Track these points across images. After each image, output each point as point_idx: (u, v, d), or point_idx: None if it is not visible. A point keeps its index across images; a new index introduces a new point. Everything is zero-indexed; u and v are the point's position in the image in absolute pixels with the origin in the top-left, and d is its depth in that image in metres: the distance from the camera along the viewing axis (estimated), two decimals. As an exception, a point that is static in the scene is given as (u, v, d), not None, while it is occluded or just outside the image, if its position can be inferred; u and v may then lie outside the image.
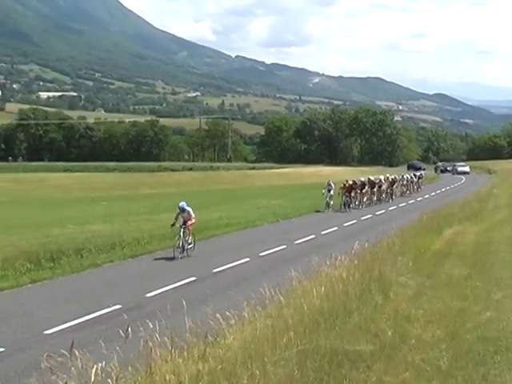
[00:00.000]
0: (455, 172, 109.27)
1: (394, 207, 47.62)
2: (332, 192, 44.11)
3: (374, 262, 15.06)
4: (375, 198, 50.40)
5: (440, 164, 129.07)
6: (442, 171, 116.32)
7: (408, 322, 11.57)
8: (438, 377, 8.99)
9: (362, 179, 49.88)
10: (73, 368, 8.09)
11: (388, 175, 55.54)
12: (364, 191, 48.29)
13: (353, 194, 46.07)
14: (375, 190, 50.47)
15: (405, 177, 60.58)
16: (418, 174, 68.48)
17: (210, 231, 29.47)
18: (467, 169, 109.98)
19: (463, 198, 49.14)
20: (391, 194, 53.94)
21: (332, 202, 44.26)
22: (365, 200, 48.40)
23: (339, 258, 15.38)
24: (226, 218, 36.96)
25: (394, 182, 55.46)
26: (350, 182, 45.95)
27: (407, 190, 60.68)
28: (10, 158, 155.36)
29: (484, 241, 23.71)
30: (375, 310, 11.77)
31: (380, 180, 52.06)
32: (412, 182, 61.91)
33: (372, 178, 51.66)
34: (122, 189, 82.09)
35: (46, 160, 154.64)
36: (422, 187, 65.57)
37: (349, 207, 45.02)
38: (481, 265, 17.97)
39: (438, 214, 33.32)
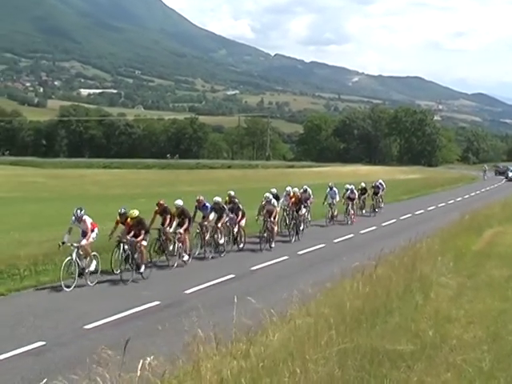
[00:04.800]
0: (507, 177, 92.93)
1: (433, 207, 47.28)
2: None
3: (415, 262, 14.98)
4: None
5: (501, 167, 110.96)
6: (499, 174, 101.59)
7: (449, 322, 11.52)
8: (479, 378, 8.93)
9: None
10: (119, 362, 8.17)
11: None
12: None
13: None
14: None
15: None
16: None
17: (247, 229, 29.56)
18: None
19: (504, 198, 48.73)
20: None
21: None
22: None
23: (379, 257, 15.30)
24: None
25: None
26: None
27: None
28: (51, 154, 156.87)
29: (525, 242, 23.48)
30: (416, 310, 11.73)
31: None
32: None
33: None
34: (160, 186, 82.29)
35: (86, 156, 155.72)
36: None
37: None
38: (522, 266, 17.80)
39: (477, 214, 33.10)
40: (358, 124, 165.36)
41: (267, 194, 27.97)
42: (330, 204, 36.02)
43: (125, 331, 13.20)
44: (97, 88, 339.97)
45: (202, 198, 25.17)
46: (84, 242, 19.56)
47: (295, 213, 30.03)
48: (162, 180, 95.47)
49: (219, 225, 24.83)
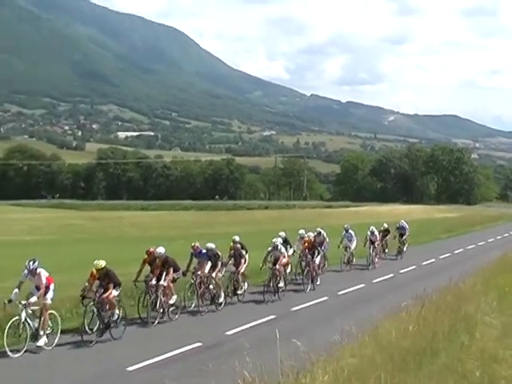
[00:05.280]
0: None
1: (473, 246, 46.88)
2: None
3: (458, 301, 14.85)
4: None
5: None
6: None
7: (496, 363, 11.33)
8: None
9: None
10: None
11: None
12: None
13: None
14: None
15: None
16: None
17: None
18: None
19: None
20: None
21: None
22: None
23: (422, 296, 15.20)
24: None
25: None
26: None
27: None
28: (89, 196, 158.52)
29: None
30: (462, 350, 11.56)
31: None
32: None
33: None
34: (198, 227, 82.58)
35: (124, 198, 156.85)
36: None
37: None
38: None
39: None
40: (395, 163, 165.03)
41: (274, 239, 26.04)
42: (346, 247, 34.04)
43: None
44: (134, 131, 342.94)
45: (197, 244, 23.35)
46: (34, 299, 16.96)
47: (309, 259, 27.61)
48: (200, 221, 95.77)
49: (213, 274, 22.76)
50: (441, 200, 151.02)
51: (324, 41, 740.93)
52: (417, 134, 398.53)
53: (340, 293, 25.90)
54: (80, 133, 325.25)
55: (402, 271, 32.69)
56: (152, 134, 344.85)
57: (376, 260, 35.54)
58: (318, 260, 28.17)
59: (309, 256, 27.71)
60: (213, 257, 23.11)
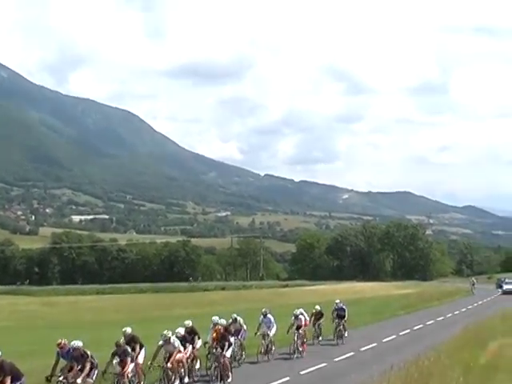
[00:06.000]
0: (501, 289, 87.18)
1: (432, 321, 46.79)
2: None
3: (425, 378, 14.63)
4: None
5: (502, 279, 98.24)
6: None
7: None
8: None
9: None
10: None
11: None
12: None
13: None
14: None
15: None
16: None
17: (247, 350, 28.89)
18: None
19: (501, 310, 48.45)
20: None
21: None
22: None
23: (386, 374, 14.97)
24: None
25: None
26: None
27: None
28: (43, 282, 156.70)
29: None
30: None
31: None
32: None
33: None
34: (155, 309, 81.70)
35: (79, 283, 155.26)
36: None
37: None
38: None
39: (479, 327, 32.76)
40: (351, 241, 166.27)
41: (165, 332, 22.29)
42: (263, 335, 29.17)
43: None
44: (88, 214, 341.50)
45: (64, 341, 19.33)
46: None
47: (218, 352, 23.34)
48: (157, 304, 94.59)
49: (79, 380, 18.39)
50: (397, 276, 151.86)
51: (277, 120, 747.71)
52: (371, 211, 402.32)
53: (302, 372, 25.41)
54: (33, 217, 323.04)
55: (362, 349, 32.24)
56: (106, 217, 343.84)
57: (302, 348, 30.81)
58: (229, 353, 23.85)
59: (218, 349, 23.51)
60: (80, 358, 18.95)
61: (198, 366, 24.76)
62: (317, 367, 26.77)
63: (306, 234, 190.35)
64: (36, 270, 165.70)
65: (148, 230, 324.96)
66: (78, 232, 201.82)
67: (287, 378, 24.31)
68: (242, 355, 28.08)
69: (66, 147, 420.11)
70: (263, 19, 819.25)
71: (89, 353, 19.17)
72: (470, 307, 61.65)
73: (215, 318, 25.92)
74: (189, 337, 24.12)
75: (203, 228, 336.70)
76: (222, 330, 24.33)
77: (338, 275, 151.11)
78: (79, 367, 18.76)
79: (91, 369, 19.05)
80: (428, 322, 45.88)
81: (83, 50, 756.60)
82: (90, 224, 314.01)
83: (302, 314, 31.98)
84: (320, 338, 35.44)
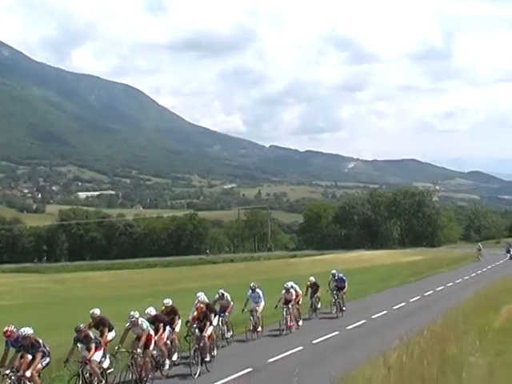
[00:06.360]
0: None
1: (442, 287, 46.76)
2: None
3: (441, 342, 14.64)
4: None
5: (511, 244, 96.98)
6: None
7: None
8: None
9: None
10: None
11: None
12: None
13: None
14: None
15: None
16: None
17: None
18: None
19: (510, 275, 48.52)
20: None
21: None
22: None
23: (403, 339, 14.98)
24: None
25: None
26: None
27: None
28: (52, 259, 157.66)
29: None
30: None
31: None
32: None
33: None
34: (165, 284, 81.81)
35: (88, 259, 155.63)
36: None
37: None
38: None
39: (490, 291, 32.74)
40: (358, 209, 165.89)
41: (132, 312, 19.73)
42: (251, 311, 27.19)
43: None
44: (94, 190, 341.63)
45: (11, 328, 16.76)
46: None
47: (198, 333, 21.40)
48: (166, 278, 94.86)
49: (28, 373, 15.90)
50: (405, 244, 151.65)
51: (280, 91, 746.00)
52: (377, 179, 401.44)
53: (315, 341, 25.40)
54: (40, 195, 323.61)
55: (373, 316, 32.18)
56: (113, 192, 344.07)
57: (291, 324, 28.64)
58: (209, 332, 21.85)
59: (197, 331, 21.47)
60: (30, 347, 16.60)
61: (175, 357, 22.20)
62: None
63: (313, 204, 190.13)
64: (44, 247, 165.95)
65: (154, 204, 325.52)
66: (85, 208, 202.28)
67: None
68: (230, 333, 26.31)
69: (70, 124, 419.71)
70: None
71: (41, 341, 16.82)
72: (479, 272, 61.61)
73: (199, 294, 23.88)
74: (168, 317, 22.20)
75: (209, 201, 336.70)
76: (203, 308, 22.26)
77: (346, 244, 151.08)
78: (30, 358, 16.44)
79: (42, 358, 16.68)
80: (438, 288, 45.89)
81: (84, 25, 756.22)
82: (96, 200, 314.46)
83: (292, 287, 29.96)
84: (318, 312, 33.56)
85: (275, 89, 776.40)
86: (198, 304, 22.76)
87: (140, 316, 19.62)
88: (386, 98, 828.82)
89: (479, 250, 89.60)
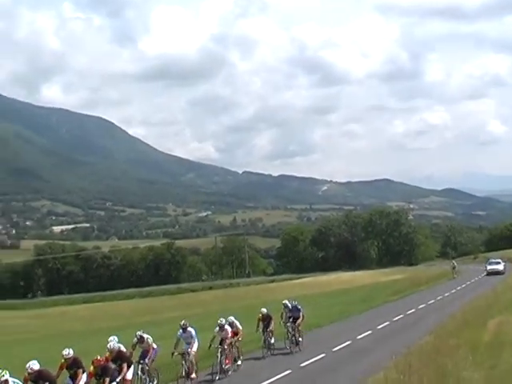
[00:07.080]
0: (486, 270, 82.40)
1: (423, 305, 46.77)
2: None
3: (434, 358, 14.56)
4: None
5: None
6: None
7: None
8: None
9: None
10: None
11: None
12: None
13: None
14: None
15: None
16: None
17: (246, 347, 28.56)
18: (501, 267, 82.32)
19: (491, 289, 48.67)
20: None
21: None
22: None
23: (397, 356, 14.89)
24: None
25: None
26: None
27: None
28: (29, 294, 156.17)
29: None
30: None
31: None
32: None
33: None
34: (144, 314, 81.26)
35: (66, 293, 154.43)
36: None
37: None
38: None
39: (473, 306, 32.78)
40: (334, 231, 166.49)
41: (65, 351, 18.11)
42: (183, 354, 22.97)
43: None
44: (69, 224, 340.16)
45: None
46: None
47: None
48: (146, 308, 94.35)
49: None
50: (383, 263, 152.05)
51: (251, 117, 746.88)
52: (351, 201, 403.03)
53: (303, 364, 25.20)
54: (14, 231, 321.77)
55: (359, 337, 31.97)
56: (87, 225, 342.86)
57: (227, 366, 24.69)
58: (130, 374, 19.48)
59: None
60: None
61: None
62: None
63: (290, 228, 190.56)
64: (21, 283, 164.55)
65: (130, 235, 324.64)
66: (61, 242, 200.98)
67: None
68: (155, 383, 21.92)
69: (42, 158, 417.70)
70: (229, 16, 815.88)
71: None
72: (458, 288, 61.76)
73: (111, 339, 20.25)
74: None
75: (185, 229, 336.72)
76: (101, 361, 18.30)
77: (324, 266, 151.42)
78: None
79: None
80: (420, 306, 45.90)
81: (53, 59, 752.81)
82: (71, 233, 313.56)
83: (230, 322, 26.13)
84: (272, 348, 28.83)
85: (246, 114, 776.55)
86: (96, 357, 18.44)
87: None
88: (357, 119, 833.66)
89: (453, 267, 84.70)
